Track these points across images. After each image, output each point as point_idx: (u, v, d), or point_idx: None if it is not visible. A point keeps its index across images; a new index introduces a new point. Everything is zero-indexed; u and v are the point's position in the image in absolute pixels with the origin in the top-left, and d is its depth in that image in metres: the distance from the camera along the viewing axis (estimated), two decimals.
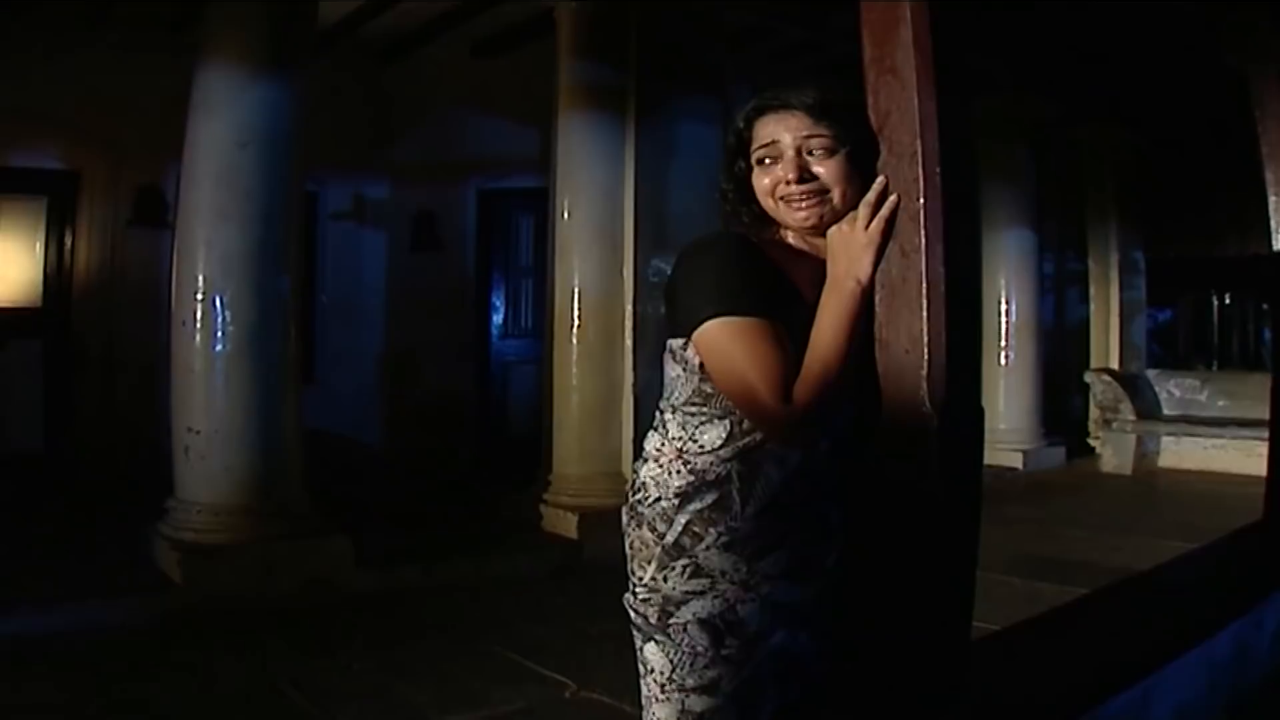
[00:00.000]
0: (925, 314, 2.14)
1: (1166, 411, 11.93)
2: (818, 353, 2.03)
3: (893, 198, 2.15)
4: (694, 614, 2.09)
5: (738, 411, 2.08)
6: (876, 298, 2.16)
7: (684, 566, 2.10)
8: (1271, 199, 5.13)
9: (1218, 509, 8.67)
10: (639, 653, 2.20)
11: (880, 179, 2.16)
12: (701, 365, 2.10)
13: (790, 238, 2.23)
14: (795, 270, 2.14)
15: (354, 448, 9.20)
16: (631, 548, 2.20)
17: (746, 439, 2.09)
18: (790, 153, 2.13)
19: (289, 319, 6.15)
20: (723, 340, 2.02)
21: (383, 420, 10.04)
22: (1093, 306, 12.68)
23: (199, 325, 5.90)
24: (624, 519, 2.25)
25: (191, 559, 5.62)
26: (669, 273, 2.20)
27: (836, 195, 2.14)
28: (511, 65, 9.33)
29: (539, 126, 8.87)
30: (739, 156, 2.23)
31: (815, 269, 2.15)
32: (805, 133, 2.12)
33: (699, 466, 2.11)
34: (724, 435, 2.10)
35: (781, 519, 2.11)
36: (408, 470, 9.46)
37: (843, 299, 2.07)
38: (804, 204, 2.13)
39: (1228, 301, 15.85)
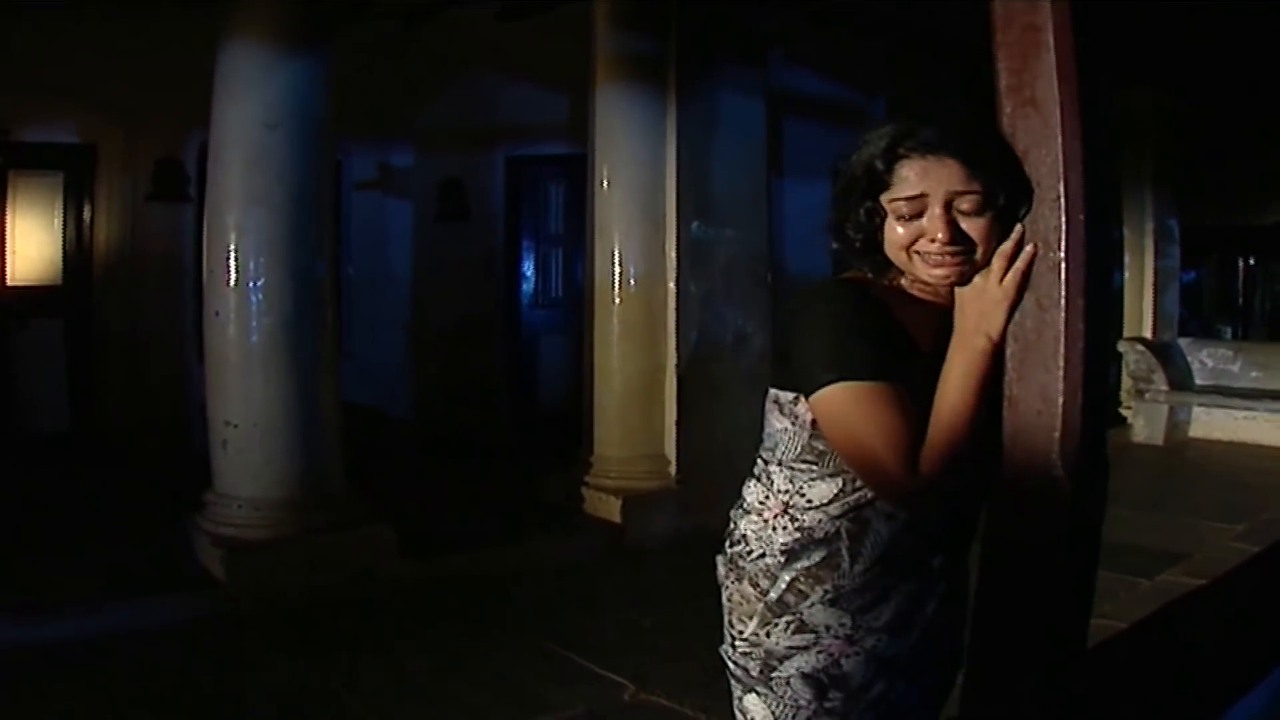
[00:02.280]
0: (1062, 374, 1.94)
1: (1198, 381, 11.81)
2: (944, 417, 1.90)
3: (1029, 249, 1.92)
4: (797, 668, 2.04)
5: (852, 471, 1.97)
6: (1007, 352, 1.97)
7: (788, 623, 2.04)
8: None
9: (1253, 485, 8.81)
10: (737, 701, 2.16)
11: (1017, 227, 1.95)
12: (814, 422, 2.00)
13: (906, 283, 2.04)
14: (912, 319, 2.00)
15: (385, 421, 9.09)
16: (730, 600, 2.15)
17: (857, 494, 2.00)
18: (938, 209, 1.90)
19: (326, 305, 5.97)
20: (845, 406, 1.90)
21: (412, 392, 9.92)
22: (1127, 275, 12.37)
23: (233, 315, 5.73)
24: (721, 570, 2.19)
25: (235, 556, 5.50)
26: (787, 308, 2.06)
27: (980, 253, 1.93)
28: (539, 29, 9.05)
29: (568, 92, 8.71)
30: (868, 198, 1.97)
31: (933, 316, 2.01)
32: (958, 187, 1.89)
33: (807, 523, 2.04)
34: (835, 491, 2.02)
35: (888, 573, 2.04)
36: (440, 444, 9.35)
37: (973, 358, 1.92)
38: (947, 263, 1.93)
39: (1252, 264, 15.80)
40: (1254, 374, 11.55)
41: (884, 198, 1.94)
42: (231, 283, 5.71)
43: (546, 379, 9.97)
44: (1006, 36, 2.04)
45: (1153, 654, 3.31)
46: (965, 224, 1.90)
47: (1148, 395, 11.34)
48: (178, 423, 8.05)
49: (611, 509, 7.07)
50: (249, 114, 5.73)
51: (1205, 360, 11.90)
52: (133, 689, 4.52)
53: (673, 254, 7.32)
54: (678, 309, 7.32)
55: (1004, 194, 1.92)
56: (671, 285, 7.33)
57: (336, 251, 6.35)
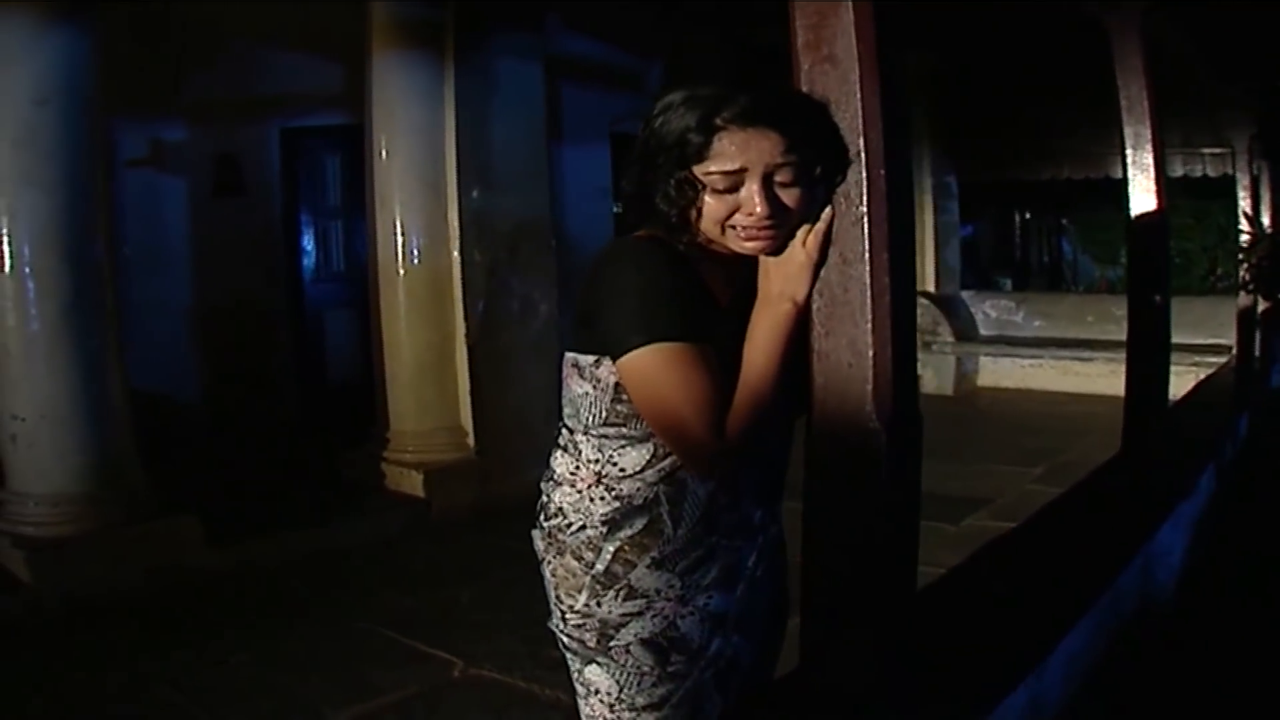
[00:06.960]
0: (870, 326, 2.01)
1: (983, 332, 12.41)
2: (750, 382, 1.86)
3: (828, 210, 1.88)
4: (635, 634, 2.04)
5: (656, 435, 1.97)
6: (813, 307, 2.01)
7: (618, 591, 2.03)
8: (1129, 151, 5.10)
9: (1045, 430, 9.17)
10: (577, 674, 2.14)
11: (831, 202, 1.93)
12: (617, 385, 1.95)
13: (705, 240, 1.93)
14: (709, 276, 1.94)
15: (173, 406, 8.74)
16: (555, 575, 2.11)
17: (670, 458, 1.98)
18: (756, 183, 1.81)
19: (105, 289, 5.72)
20: (653, 370, 1.84)
21: (199, 374, 9.49)
22: None
23: (11, 304, 5.45)
24: (539, 544, 2.15)
25: (37, 555, 5.28)
26: (589, 270, 1.96)
27: (795, 221, 1.86)
28: None
29: (343, 60, 8.52)
30: (680, 169, 1.84)
31: (729, 272, 1.97)
32: (778, 160, 1.80)
33: (624, 492, 2.01)
34: (647, 457, 2.00)
35: (710, 531, 2.05)
36: (233, 427, 9.04)
37: (777, 322, 1.88)
38: (762, 236, 1.85)
39: (1028, 217, 16.42)
40: (1037, 323, 12.16)
41: (698, 169, 1.83)
42: (6, 269, 5.43)
43: (334, 354, 9.74)
44: None
45: (977, 595, 3.39)
46: (783, 195, 1.83)
47: (935, 347, 11.77)
48: None
49: (414, 483, 7.04)
50: (15, 89, 5.39)
51: (989, 311, 12.46)
52: None
53: (455, 223, 7.28)
54: (463, 279, 7.29)
55: (821, 163, 1.88)
56: (456, 255, 7.29)
57: (112, 232, 6.06)
